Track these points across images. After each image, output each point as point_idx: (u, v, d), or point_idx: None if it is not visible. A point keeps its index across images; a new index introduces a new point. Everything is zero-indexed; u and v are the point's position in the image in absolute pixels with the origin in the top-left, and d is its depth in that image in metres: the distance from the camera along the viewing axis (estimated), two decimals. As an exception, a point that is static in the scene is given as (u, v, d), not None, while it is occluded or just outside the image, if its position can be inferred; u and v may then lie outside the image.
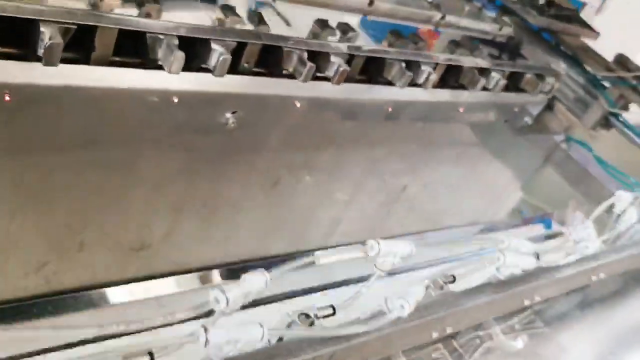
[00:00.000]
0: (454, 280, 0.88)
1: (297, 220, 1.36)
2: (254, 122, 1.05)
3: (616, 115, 1.62)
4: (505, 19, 1.58)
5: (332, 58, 1.03)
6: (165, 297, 1.16)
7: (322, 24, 1.15)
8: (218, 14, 1.06)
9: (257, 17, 1.06)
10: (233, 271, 1.29)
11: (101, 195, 0.98)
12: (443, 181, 1.57)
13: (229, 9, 1.06)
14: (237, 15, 1.06)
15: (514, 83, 1.39)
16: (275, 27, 1.08)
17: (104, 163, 0.94)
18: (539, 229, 2.00)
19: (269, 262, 1.34)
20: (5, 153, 0.82)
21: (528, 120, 1.56)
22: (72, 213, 0.93)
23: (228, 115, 1.02)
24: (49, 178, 0.90)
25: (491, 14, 1.48)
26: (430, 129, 1.34)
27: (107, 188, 0.98)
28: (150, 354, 0.53)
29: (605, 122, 1.66)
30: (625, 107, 1.64)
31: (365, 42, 1.26)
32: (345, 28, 1.16)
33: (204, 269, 1.25)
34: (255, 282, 0.62)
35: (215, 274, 1.27)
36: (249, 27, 1.05)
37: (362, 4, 1.18)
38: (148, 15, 0.91)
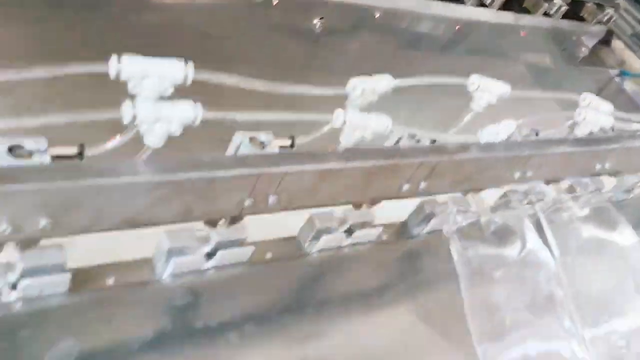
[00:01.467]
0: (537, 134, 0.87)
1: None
2: (338, 29, 1.20)
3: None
4: None
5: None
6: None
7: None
8: None
9: None
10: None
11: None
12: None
13: None
14: None
15: (574, 11, 1.48)
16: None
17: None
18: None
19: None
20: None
21: (585, 51, 1.64)
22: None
23: (316, 20, 1.17)
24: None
25: None
26: (494, 49, 1.43)
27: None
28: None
29: (661, 59, 1.71)
30: (683, 44, 1.68)
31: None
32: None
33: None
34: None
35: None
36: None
37: None
38: None
